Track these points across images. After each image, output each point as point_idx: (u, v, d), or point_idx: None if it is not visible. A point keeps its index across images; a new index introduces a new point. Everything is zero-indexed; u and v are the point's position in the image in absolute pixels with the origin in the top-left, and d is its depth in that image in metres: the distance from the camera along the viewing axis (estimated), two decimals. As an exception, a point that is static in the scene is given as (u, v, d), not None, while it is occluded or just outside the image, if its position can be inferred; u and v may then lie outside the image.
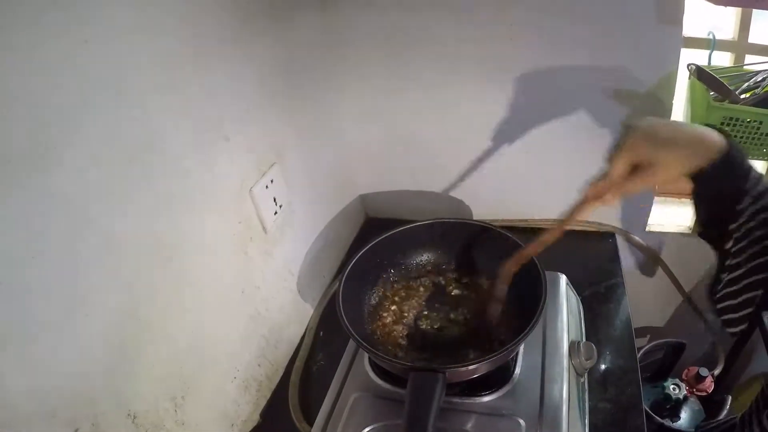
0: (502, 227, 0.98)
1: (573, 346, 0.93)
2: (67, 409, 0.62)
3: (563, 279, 1.04)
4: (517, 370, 0.86)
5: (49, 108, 0.57)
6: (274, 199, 1.01)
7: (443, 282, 1.01)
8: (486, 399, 0.83)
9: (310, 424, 0.86)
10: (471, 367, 0.78)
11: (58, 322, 0.60)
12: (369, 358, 0.90)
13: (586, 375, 0.98)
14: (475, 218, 1.39)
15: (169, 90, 0.75)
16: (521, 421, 0.79)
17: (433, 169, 1.39)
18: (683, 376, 1.45)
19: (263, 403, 1.04)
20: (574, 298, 1.08)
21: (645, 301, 1.54)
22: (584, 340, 1.02)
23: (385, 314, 0.95)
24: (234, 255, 0.92)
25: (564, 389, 0.84)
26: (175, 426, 0.80)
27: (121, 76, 0.66)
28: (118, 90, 0.66)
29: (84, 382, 0.64)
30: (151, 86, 0.71)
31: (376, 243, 0.97)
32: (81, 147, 0.61)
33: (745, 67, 1.15)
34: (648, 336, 1.64)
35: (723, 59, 1.19)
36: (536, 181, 1.36)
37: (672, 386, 1.42)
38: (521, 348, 0.90)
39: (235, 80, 0.90)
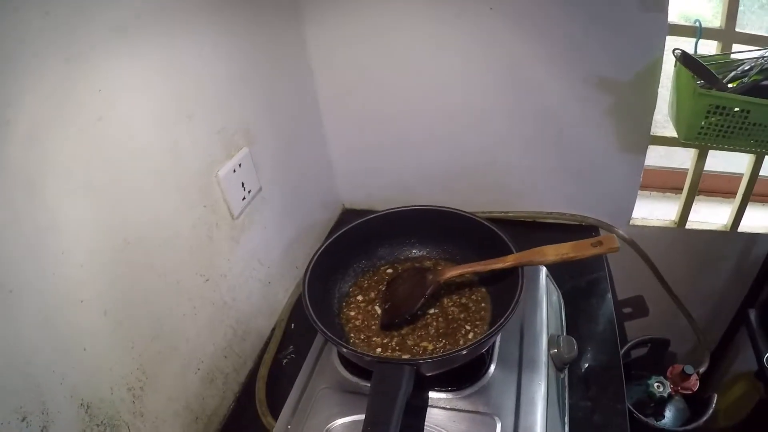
0: (482, 217, 0.94)
1: (552, 340, 0.90)
2: (13, 396, 0.58)
3: (543, 271, 1.01)
4: (493, 365, 0.83)
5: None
6: (243, 185, 0.97)
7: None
8: (459, 394, 0.80)
9: (277, 418, 0.83)
10: (441, 360, 0.75)
11: (2, 302, 0.56)
12: (337, 350, 0.87)
13: (566, 371, 0.95)
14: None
15: (127, 59, 0.71)
16: (496, 419, 0.76)
17: (413, 158, 1.37)
18: (668, 374, 1.43)
19: (230, 396, 1.01)
20: (555, 292, 1.06)
21: (628, 296, 1.52)
22: (564, 334, 0.99)
23: (354, 305, 0.92)
24: (198, 240, 0.88)
25: (542, 385, 0.81)
26: (133, 417, 0.77)
27: (73, 43, 0.62)
28: (68, 57, 0.62)
29: (30, 368, 0.60)
30: (105, 54, 0.67)
31: (347, 230, 0.94)
32: (26, 118, 0.57)
33: (732, 56, 1.12)
34: (631, 332, 1.62)
35: (709, 48, 1.17)
36: (516, 171, 1.34)
37: (656, 384, 1.40)
38: (497, 342, 0.87)
39: (202, 53, 0.86)
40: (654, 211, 1.45)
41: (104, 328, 0.71)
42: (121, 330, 0.74)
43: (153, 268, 0.79)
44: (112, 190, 0.71)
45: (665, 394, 1.39)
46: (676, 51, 1.05)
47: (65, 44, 0.61)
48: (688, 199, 1.35)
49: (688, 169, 1.33)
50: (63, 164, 0.63)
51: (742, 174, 1.31)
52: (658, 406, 1.42)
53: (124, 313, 0.74)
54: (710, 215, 1.44)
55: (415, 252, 1.00)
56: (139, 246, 0.76)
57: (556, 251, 0.84)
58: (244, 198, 0.98)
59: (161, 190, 0.80)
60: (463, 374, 0.81)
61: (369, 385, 0.79)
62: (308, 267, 0.86)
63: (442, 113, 1.27)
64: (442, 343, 0.83)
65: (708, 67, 1.03)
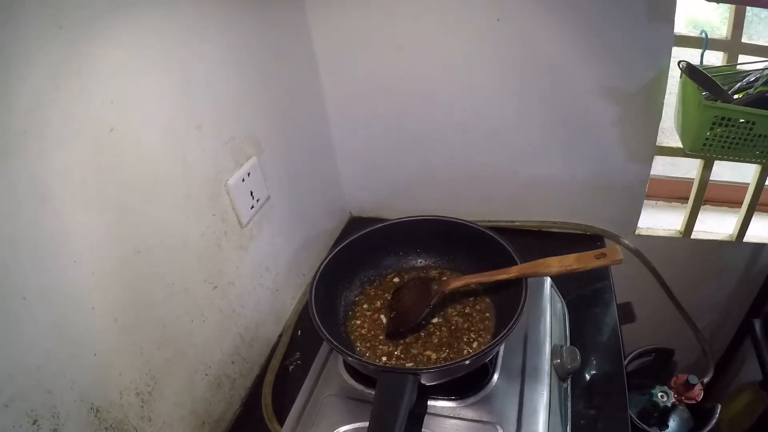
0: (488, 227, 0.95)
1: (556, 351, 0.90)
2: (25, 400, 0.59)
3: (548, 281, 1.01)
4: (496, 375, 0.83)
5: (15, 90, 0.55)
6: (251, 193, 0.98)
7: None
8: (462, 403, 0.80)
9: (283, 424, 0.83)
10: (444, 370, 0.75)
11: (15, 308, 0.58)
12: (342, 358, 0.88)
13: (569, 381, 0.95)
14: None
15: (136, 72, 0.72)
16: (499, 428, 0.76)
17: (420, 165, 1.37)
18: (672, 384, 1.43)
19: (237, 401, 1.01)
20: (559, 302, 1.06)
21: (633, 306, 1.52)
22: (568, 344, 1.00)
23: (360, 313, 0.93)
24: (206, 248, 0.89)
25: (545, 395, 0.82)
26: (141, 421, 0.78)
27: (87, 57, 0.64)
28: (82, 70, 0.63)
29: (42, 373, 0.61)
30: (117, 67, 0.68)
31: (353, 239, 0.94)
32: (41, 127, 0.59)
33: (738, 66, 1.12)
34: (635, 342, 1.62)
35: (716, 59, 1.17)
36: (523, 178, 1.34)
37: (660, 394, 1.39)
38: (501, 351, 0.87)
39: (209, 62, 0.87)
40: (660, 221, 1.45)
41: (114, 335, 0.72)
42: (130, 336, 0.75)
43: (162, 276, 0.80)
44: (123, 199, 0.72)
45: (669, 404, 1.38)
46: (681, 63, 1.05)
47: (79, 57, 0.63)
48: (693, 209, 1.35)
49: (694, 179, 1.33)
50: (75, 173, 0.64)
51: (749, 184, 1.31)
52: (662, 415, 1.41)
53: (133, 320, 0.75)
54: (716, 225, 1.44)
55: (421, 261, 1.01)
56: (148, 254, 0.77)
57: (560, 263, 0.85)
58: (252, 206, 0.99)
59: (171, 200, 0.81)
60: (467, 383, 0.81)
61: (374, 392, 0.80)
62: (315, 275, 0.86)
63: (449, 120, 1.27)
64: (445, 353, 0.84)
65: (713, 78, 1.03)
